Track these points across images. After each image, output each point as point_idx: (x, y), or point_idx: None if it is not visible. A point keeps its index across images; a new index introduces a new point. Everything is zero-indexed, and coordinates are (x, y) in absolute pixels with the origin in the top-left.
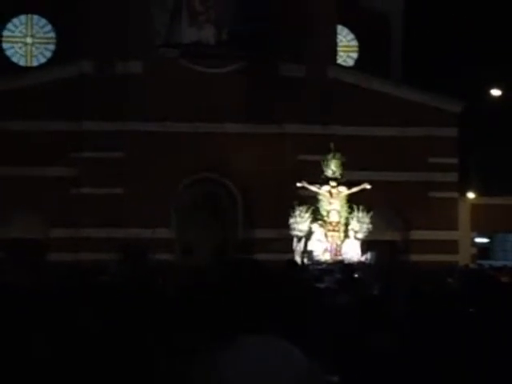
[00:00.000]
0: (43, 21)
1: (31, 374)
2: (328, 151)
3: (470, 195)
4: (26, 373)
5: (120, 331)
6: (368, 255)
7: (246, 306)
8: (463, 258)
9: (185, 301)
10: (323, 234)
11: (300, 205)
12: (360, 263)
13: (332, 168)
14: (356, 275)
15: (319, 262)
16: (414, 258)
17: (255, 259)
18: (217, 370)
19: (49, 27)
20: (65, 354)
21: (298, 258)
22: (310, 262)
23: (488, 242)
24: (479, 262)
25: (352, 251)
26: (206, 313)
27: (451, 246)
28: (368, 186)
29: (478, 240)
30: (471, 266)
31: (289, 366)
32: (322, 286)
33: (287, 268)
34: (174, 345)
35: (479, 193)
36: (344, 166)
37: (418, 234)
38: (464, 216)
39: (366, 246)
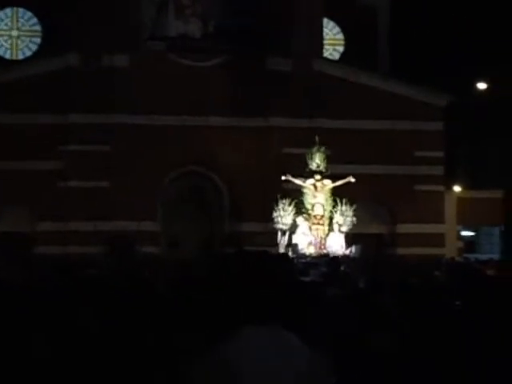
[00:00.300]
0: (29, 14)
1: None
2: (313, 144)
3: (456, 188)
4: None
5: (109, 326)
6: (352, 248)
7: (244, 298)
8: (449, 251)
9: (176, 295)
10: (308, 227)
11: (284, 198)
12: (344, 256)
13: (316, 161)
14: (342, 268)
15: (304, 256)
16: (400, 251)
17: (264, 251)
18: (220, 363)
19: (34, 20)
20: (54, 347)
21: (282, 252)
22: (294, 256)
23: (474, 236)
24: (465, 255)
25: (336, 244)
26: (203, 306)
27: (437, 240)
28: (352, 180)
29: (464, 233)
30: (457, 259)
31: (291, 355)
32: (306, 279)
33: (279, 261)
34: (172, 342)
35: (465, 186)
36: (329, 159)
37: (403, 228)
38: (450, 209)
39: (350, 239)
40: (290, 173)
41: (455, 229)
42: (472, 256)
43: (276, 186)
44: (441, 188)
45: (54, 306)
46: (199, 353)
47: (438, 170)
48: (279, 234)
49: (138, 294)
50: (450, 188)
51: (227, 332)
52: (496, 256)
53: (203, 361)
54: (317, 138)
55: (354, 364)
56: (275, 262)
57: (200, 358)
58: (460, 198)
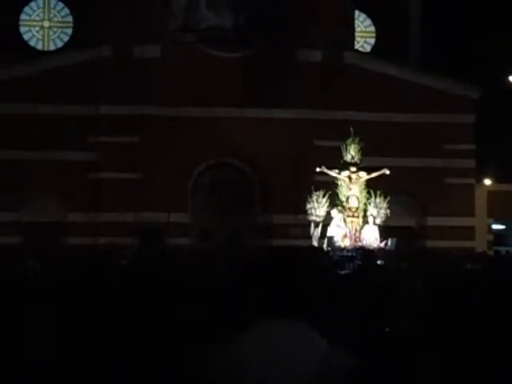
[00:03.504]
0: (60, 4)
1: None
2: (345, 137)
3: (487, 182)
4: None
5: (127, 318)
6: (388, 241)
7: (267, 291)
8: (480, 244)
9: (203, 286)
10: (342, 219)
11: (317, 190)
12: (380, 249)
13: (351, 153)
14: (378, 262)
15: (339, 248)
16: (431, 244)
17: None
18: (237, 355)
19: (66, 11)
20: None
21: (315, 244)
22: (329, 248)
23: (504, 229)
24: (496, 248)
25: (371, 237)
26: (227, 298)
27: (468, 233)
28: (387, 172)
29: (495, 226)
30: (488, 252)
31: (309, 349)
32: (343, 272)
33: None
34: (195, 330)
35: (496, 179)
36: (361, 151)
37: (434, 220)
38: (481, 202)
39: (383, 232)
40: (321, 165)
41: (486, 222)
42: (502, 249)
43: (307, 178)
44: (471, 181)
45: (78, 294)
46: (215, 343)
47: (469, 163)
48: (312, 225)
49: (156, 278)
50: (480, 181)
51: (244, 324)
52: None
53: (217, 351)
54: (352, 130)
55: (372, 348)
56: (303, 258)
57: (214, 349)
58: (490, 191)
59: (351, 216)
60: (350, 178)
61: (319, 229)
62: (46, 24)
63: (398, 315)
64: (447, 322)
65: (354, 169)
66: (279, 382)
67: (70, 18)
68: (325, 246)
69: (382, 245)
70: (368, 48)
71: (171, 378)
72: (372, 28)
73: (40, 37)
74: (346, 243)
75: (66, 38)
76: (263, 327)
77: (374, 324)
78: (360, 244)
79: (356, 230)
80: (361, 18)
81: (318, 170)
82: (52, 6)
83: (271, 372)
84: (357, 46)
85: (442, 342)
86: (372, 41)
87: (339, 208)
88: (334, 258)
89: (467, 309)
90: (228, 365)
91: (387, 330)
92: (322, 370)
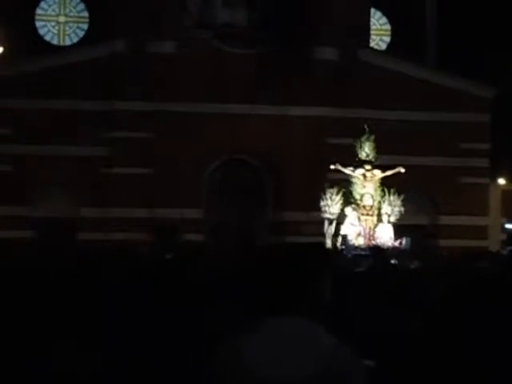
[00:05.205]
0: (76, 0)
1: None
2: (359, 134)
3: (501, 181)
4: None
5: (139, 314)
6: (403, 240)
7: (274, 288)
8: (493, 243)
9: (212, 283)
10: (356, 217)
11: (331, 187)
12: (395, 248)
13: (366, 151)
14: (392, 261)
15: (354, 247)
16: (444, 243)
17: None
18: (241, 353)
19: (82, 6)
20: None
21: (328, 241)
22: (343, 247)
23: None
24: (510, 248)
25: (386, 236)
26: (232, 295)
27: (481, 232)
28: (402, 170)
29: (508, 226)
30: (502, 251)
31: (316, 347)
32: (356, 270)
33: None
34: (200, 327)
35: (510, 179)
36: (376, 149)
37: (448, 219)
38: (495, 202)
39: (397, 230)
40: (334, 163)
41: (499, 221)
42: None
43: (321, 176)
44: (486, 180)
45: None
46: (223, 337)
47: (483, 163)
48: (326, 223)
49: (171, 274)
50: (494, 180)
51: (247, 323)
52: None
53: (218, 350)
54: (366, 127)
55: (387, 348)
56: (309, 255)
57: (215, 347)
58: (504, 191)
59: (365, 214)
60: (364, 175)
61: (333, 226)
62: (62, 19)
63: (409, 315)
64: (459, 324)
65: (368, 167)
66: (281, 382)
67: (85, 14)
68: (338, 243)
69: (397, 243)
70: (383, 46)
71: (171, 377)
72: (387, 26)
73: (55, 32)
74: (359, 242)
75: (81, 34)
76: (265, 325)
77: (385, 323)
78: (374, 242)
79: (370, 228)
80: (376, 16)
81: (332, 167)
82: (68, 0)
83: (273, 372)
84: (372, 44)
85: (452, 343)
86: (387, 39)
87: (353, 206)
88: (347, 257)
89: (481, 310)
90: (228, 365)
91: (399, 329)
92: (329, 370)
